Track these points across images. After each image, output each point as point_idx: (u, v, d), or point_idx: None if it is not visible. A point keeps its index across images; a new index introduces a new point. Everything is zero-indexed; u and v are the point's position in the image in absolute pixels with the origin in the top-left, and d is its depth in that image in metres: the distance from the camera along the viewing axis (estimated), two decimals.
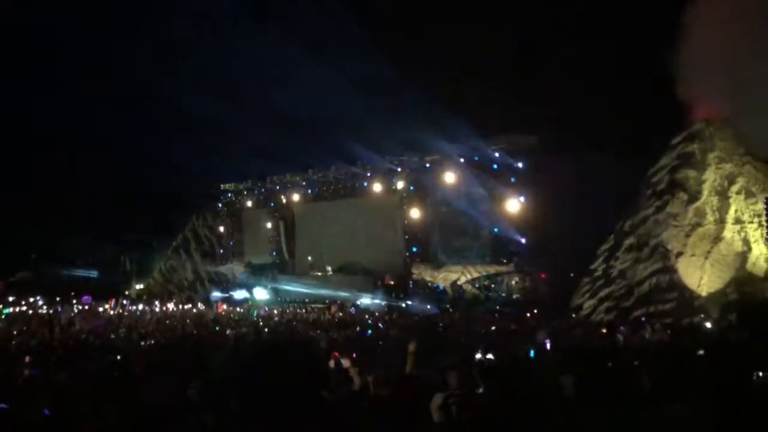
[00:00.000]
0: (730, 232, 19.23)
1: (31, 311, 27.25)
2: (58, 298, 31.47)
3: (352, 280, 31.94)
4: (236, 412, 2.07)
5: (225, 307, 31.73)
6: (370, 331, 17.80)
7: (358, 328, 17.94)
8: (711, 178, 20.03)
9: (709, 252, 19.22)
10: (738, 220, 19.30)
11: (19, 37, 35.88)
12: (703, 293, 18.91)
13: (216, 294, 36.51)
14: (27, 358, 9.08)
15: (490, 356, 9.05)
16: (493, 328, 17.81)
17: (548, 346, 7.87)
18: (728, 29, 17.63)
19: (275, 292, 35.31)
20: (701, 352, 7.65)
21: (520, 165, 28.63)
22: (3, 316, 23.65)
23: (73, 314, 24.76)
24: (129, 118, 36.54)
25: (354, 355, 7.48)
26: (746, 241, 18.97)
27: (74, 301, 32.26)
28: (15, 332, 17.20)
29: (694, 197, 20.02)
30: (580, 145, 23.49)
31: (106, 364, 9.86)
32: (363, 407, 4.93)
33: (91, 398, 6.32)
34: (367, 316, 23.55)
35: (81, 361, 9.90)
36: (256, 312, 27.28)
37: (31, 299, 32.28)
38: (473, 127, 28.55)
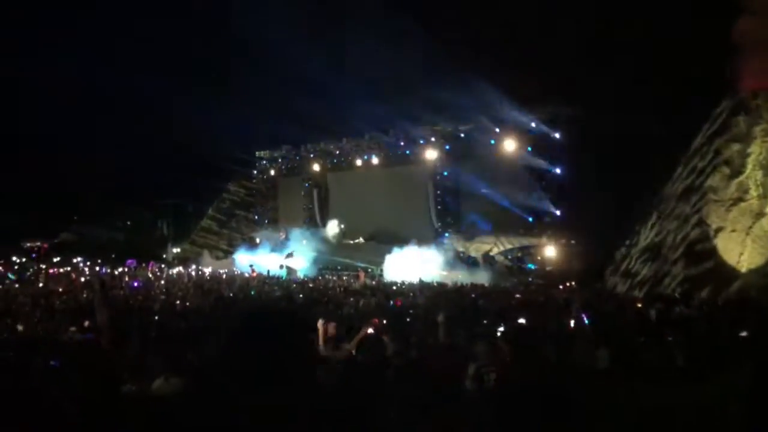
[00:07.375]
0: None
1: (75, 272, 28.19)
2: (99, 260, 32.53)
3: (383, 249, 32.08)
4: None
5: (258, 272, 32.24)
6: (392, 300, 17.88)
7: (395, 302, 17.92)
8: (756, 151, 19.32)
9: (750, 228, 18.66)
10: None
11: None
12: (743, 270, 18.46)
13: (250, 259, 37.02)
14: (85, 323, 9.33)
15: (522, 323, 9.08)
16: (524, 299, 17.78)
17: (585, 320, 7.81)
18: None
19: (311, 259, 35.70)
20: (744, 333, 7.52)
21: (557, 135, 28.13)
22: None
23: (114, 276, 25.53)
24: (166, 83, 36.91)
25: (384, 322, 7.58)
26: None
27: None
28: (60, 290, 17.87)
29: (737, 171, 19.41)
30: (618, 116, 22.87)
31: (147, 325, 10.23)
32: (393, 371, 5.03)
33: (135, 359, 6.58)
34: (397, 285, 23.71)
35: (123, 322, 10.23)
36: (289, 276, 27.69)
37: (74, 260, 33.41)
38: (510, 96, 28.05)
